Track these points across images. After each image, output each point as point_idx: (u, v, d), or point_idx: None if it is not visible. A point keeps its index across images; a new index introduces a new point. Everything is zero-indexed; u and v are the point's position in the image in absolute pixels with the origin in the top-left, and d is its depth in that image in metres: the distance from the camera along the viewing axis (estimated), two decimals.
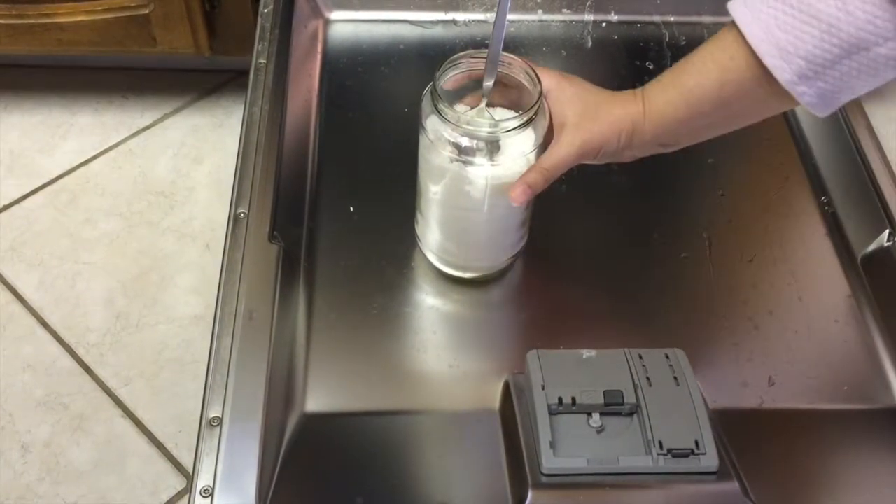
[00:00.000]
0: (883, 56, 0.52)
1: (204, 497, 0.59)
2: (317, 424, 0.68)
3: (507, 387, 0.68)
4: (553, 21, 1.02)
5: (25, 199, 1.19)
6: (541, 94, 0.65)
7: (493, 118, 0.67)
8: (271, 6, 0.94)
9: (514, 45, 0.97)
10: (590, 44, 1.00)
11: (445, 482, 0.65)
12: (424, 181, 0.71)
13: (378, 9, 1.01)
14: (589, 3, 1.01)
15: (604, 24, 1.01)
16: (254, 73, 0.86)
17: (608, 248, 0.82)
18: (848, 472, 0.67)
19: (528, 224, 0.75)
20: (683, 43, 0.99)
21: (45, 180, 1.20)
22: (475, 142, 0.66)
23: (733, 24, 0.57)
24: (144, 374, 1.03)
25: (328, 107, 0.92)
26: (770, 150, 0.91)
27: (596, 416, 0.63)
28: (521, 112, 0.65)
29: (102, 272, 1.11)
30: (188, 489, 0.82)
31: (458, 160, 0.66)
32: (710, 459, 0.61)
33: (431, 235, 0.75)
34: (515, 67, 0.67)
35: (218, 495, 0.60)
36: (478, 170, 0.67)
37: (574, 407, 0.63)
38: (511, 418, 0.65)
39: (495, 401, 0.69)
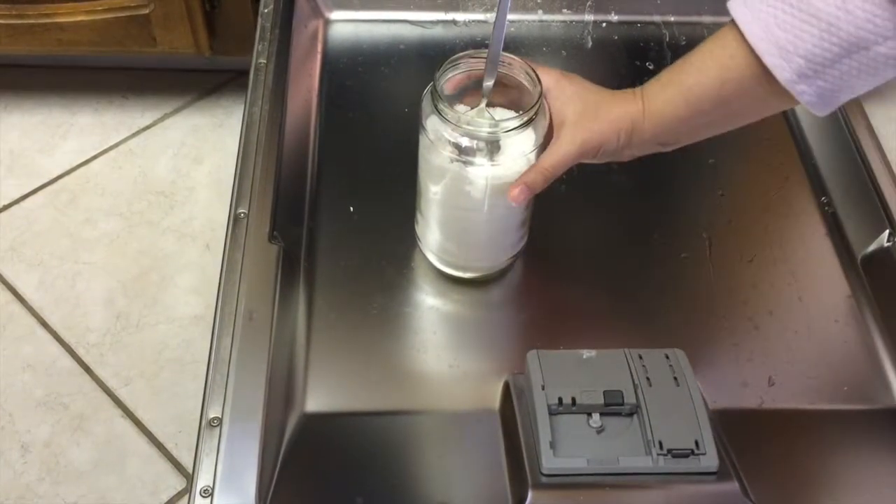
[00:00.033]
0: (882, 55, 0.52)
1: (204, 497, 0.59)
2: (317, 424, 0.67)
3: (507, 387, 0.68)
4: (553, 21, 1.02)
5: (25, 199, 1.19)
6: (541, 94, 0.65)
7: (494, 118, 0.67)
8: (271, 6, 0.94)
9: (514, 45, 0.97)
10: (590, 44, 1.00)
11: (445, 482, 0.65)
12: (424, 181, 0.71)
13: (378, 9, 1.01)
14: (589, 3, 1.01)
15: (604, 24, 1.01)
16: (254, 73, 0.86)
17: (608, 248, 0.82)
18: (848, 473, 0.67)
19: (528, 224, 0.75)
20: (683, 43, 0.99)
21: (45, 180, 1.20)
22: (475, 142, 0.66)
23: (733, 23, 0.57)
24: (144, 374, 1.03)
25: (328, 107, 0.92)
26: (770, 150, 0.91)
27: (596, 416, 0.63)
28: (521, 112, 0.65)
29: (102, 272, 1.11)
30: (188, 489, 0.82)
31: (458, 160, 0.66)
32: (710, 460, 0.61)
33: (431, 235, 0.75)
34: (515, 67, 0.67)
35: (218, 495, 0.59)
36: (478, 170, 0.67)
37: (574, 407, 0.63)
38: (511, 418, 0.65)
39: (495, 401, 0.69)
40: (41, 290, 1.09)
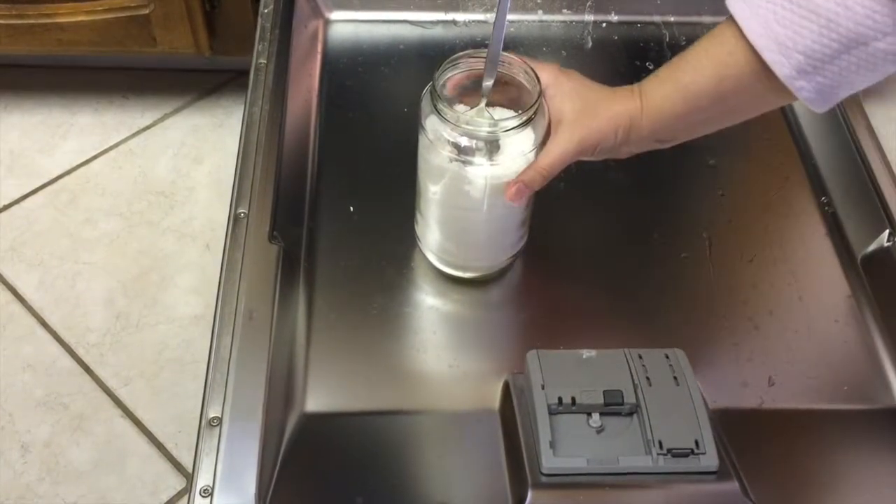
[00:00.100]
0: (882, 51, 0.52)
1: (203, 497, 0.59)
2: (317, 424, 0.67)
3: (506, 387, 0.68)
4: (553, 21, 1.02)
5: (25, 199, 1.19)
6: (540, 93, 0.65)
7: (493, 118, 0.67)
8: (271, 6, 0.94)
9: (514, 46, 0.97)
10: (590, 44, 1.00)
11: (445, 482, 0.65)
12: (424, 181, 0.71)
13: (378, 9, 1.01)
14: (589, 3, 1.01)
15: (604, 25, 1.01)
16: (254, 73, 0.86)
17: (608, 247, 0.82)
18: (848, 473, 0.67)
19: (527, 224, 0.75)
20: (683, 43, 0.99)
21: (45, 180, 1.20)
22: (474, 141, 0.66)
23: (731, 19, 0.57)
24: (144, 374, 1.03)
25: (328, 107, 0.92)
26: (770, 150, 0.91)
27: (596, 415, 0.63)
28: (520, 111, 0.65)
29: (102, 272, 1.11)
30: (188, 489, 0.82)
31: (457, 160, 0.66)
32: (709, 459, 0.61)
33: (431, 235, 0.75)
34: (515, 67, 0.67)
35: (217, 495, 0.59)
36: (477, 169, 0.67)
37: (574, 407, 0.63)
38: (511, 418, 0.65)
39: (495, 401, 0.69)
40: (41, 290, 1.09)
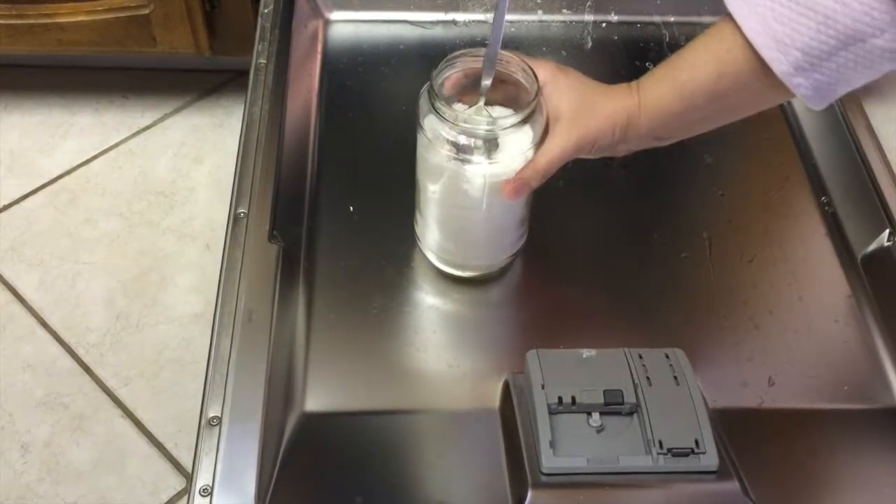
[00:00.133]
0: (879, 48, 0.52)
1: (203, 496, 0.59)
2: (316, 424, 0.67)
3: (506, 386, 0.68)
4: (553, 21, 1.02)
5: (25, 199, 1.19)
6: (538, 91, 0.65)
7: (491, 116, 0.67)
8: (271, 6, 0.94)
9: (514, 46, 0.97)
10: (590, 44, 1.00)
11: (445, 482, 0.65)
12: (423, 180, 0.71)
13: (378, 9, 1.01)
14: (589, 3, 1.01)
15: (604, 25, 1.01)
16: (254, 73, 0.86)
17: (608, 247, 0.82)
18: (848, 472, 0.67)
19: (527, 222, 0.75)
20: (683, 43, 0.97)
21: (45, 180, 1.20)
22: (473, 140, 0.66)
23: (729, 17, 0.57)
24: (144, 374, 1.03)
25: (328, 107, 0.92)
26: (770, 150, 0.91)
27: (596, 415, 0.63)
28: (518, 110, 0.65)
29: (102, 272, 1.11)
30: (187, 489, 0.82)
31: (455, 158, 0.66)
32: (710, 459, 0.60)
33: (431, 235, 0.75)
34: (512, 65, 0.67)
35: (217, 495, 0.59)
36: (476, 168, 0.66)
37: (574, 406, 0.62)
38: (511, 418, 0.65)
39: (495, 400, 0.69)
40: (41, 290, 1.09)
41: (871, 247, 0.80)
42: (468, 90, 0.68)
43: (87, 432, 0.98)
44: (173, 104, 1.29)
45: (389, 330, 0.74)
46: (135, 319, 1.07)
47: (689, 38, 0.99)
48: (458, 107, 0.67)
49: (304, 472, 0.64)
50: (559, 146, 0.64)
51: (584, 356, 0.65)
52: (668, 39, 1.00)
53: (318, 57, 0.97)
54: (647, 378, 0.63)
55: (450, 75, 0.67)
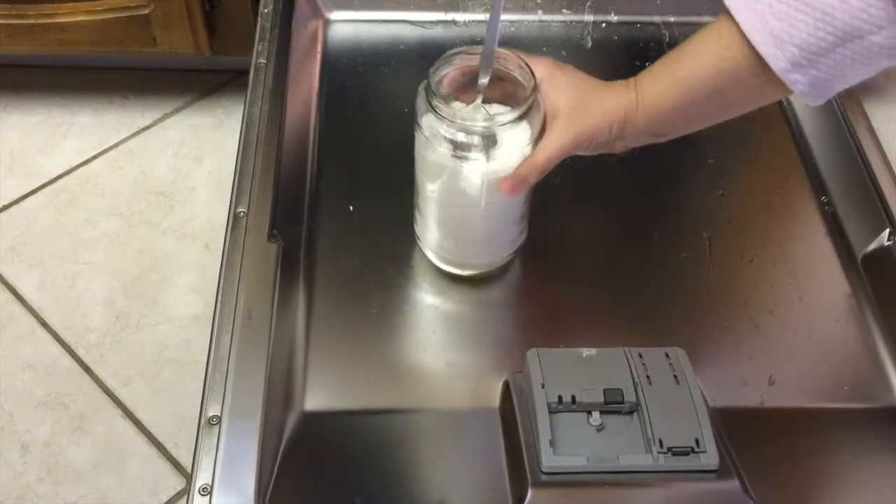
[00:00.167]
0: (876, 44, 0.52)
1: (202, 495, 0.59)
2: (316, 423, 0.67)
3: (506, 386, 0.68)
4: (553, 21, 1.02)
5: (25, 199, 1.19)
6: (535, 87, 0.65)
7: (489, 114, 0.67)
8: (271, 6, 0.94)
9: (514, 46, 0.96)
10: (590, 44, 1.00)
11: (445, 481, 0.65)
12: (421, 179, 0.71)
13: (378, 9, 1.01)
14: (589, 3, 1.01)
15: (604, 25, 1.01)
16: (253, 73, 0.86)
17: (608, 247, 0.82)
18: (849, 472, 0.67)
19: (526, 220, 0.75)
20: None
21: (45, 180, 1.20)
22: (471, 137, 0.66)
23: (727, 13, 0.57)
24: (144, 374, 1.03)
25: (328, 107, 0.92)
26: (770, 150, 0.91)
27: (596, 414, 0.63)
28: (516, 107, 0.65)
29: (102, 272, 1.11)
30: (187, 488, 0.82)
31: (453, 156, 0.66)
32: (710, 457, 0.60)
33: (430, 233, 0.75)
34: (509, 62, 0.67)
35: (216, 494, 0.59)
36: (474, 165, 0.66)
37: (574, 405, 0.62)
38: (511, 417, 0.65)
39: (495, 399, 0.69)
40: (41, 290, 1.09)
41: (872, 246, 0.80)
42: (465, 88, 0.68)
43: (87, 432, 0.98)
44: (173, 104, 1.29)
45: (389, 329, 0.74)
46: (135, 319, 1.07)
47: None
48: (456, 105, 0.67)
49: (303, 471, 0.64)
50: (557, 143, 0.64)
51: (584, 355, 0.65)
52: (668, 39, 1.00)
53: (318, 57, 0.97)
54: (647, 377, 0.63)
55: (447, 73, 0.67)
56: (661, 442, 0.61)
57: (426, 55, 0.97)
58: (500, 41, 0.65)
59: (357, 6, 1.01)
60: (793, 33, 0.53)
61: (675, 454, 0.60)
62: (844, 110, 0.87)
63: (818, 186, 0.87)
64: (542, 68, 0.66)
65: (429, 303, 0.76)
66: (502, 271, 0.78)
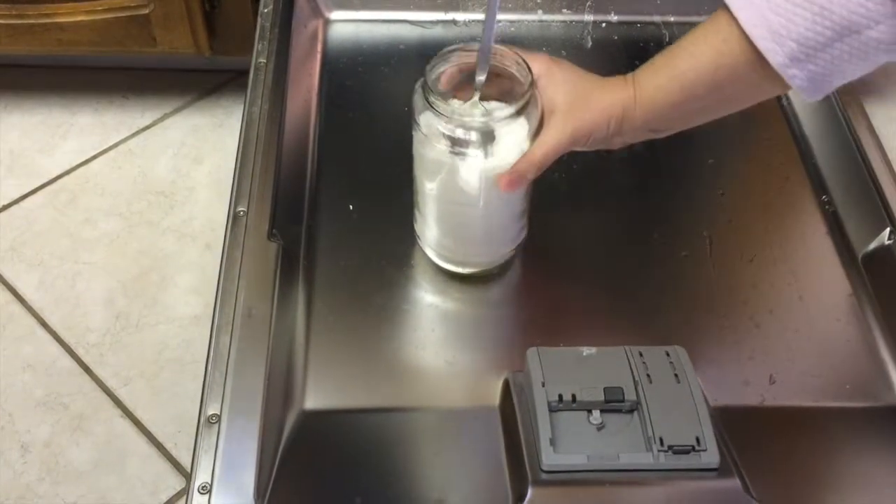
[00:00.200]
0: (874, 39, 0.52)
1: (202, 494, 0.59)
2: (316, 422, 0.67)
3: (506, 384, 0.68)
4: (553, 21, 1.02)
5: (25, 199, 1.19)
6: (532, 82, 0.65)
7: (486, 110, 0.66)
8: (271, 6, 0.94)
9: (514, 45, 0.97)
10: (590, 44, 1.00)
11: (445, 479, 0.65)
12: (420, 177, 0.71)
13: (378, 9, 1.01)
14: (589, 3, 1.01)
15: (604, 25, 1.01)
16: (253, 73, 0.86)
17: (609, 246, 0.82)
18: (850, 470, 0.67)
19: (526, 217, 0.75)
20: None
21: (45, 180, 1.20)
22: (468, 134, 0.65)
23: (725, 7, 0.57)
24: (144, 374, 1.03)
25: (328, 106, 0.92)
26: (770, 149, 0.91)
27: (596, 413, 0.62)
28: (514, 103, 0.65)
29: (102, 272, 1.11)
30: (187, 487, 0.82)
31: (452, 153, 0.66)
32: (711, 456, 0.60)
33: (430, 232, 0.75)
34: (507, 59, 0.67)
35: (216, 492, 0.59)
36: (472, 162, 0.66)
37: (574, 404, 0.62)
38: (511, 416, 0.65)
39: (495, 398, 0.68)
40: (41, 290, 1.09)
41: (872, 245, 0.80)
42: (463, 86, 0.68)
43: (87, 432, 0.98)
44: (173, 104, 1.29)
45: (389, 328, 0.74)
46: (135, 319, 1.07)
47: None
48: (454, 103, 0.67)
49: (303, 469, 0.64)
50: (554, 138, 0.64)
51: (585, 354, 0.65)
52: (668, 39, 1.00)
53: (318, 56, 0.97)
54: (648, 375, 0.63)
55: (444, 70, 0.67)
56: (661, 440, 0.60)
57: (426, 55, 0.95)
58: (499, 40, 0.65)
59: (357, 6, 1.01)
60: (791, 28, 0.53)
61: (675, 452, 0.60)
62: (845, 109, 0.87)
63: (818, 185, 0.87)
64: (539, 64, 0.66)
65: (429, 302, 0.76)
66: (502, 270, 0.78)
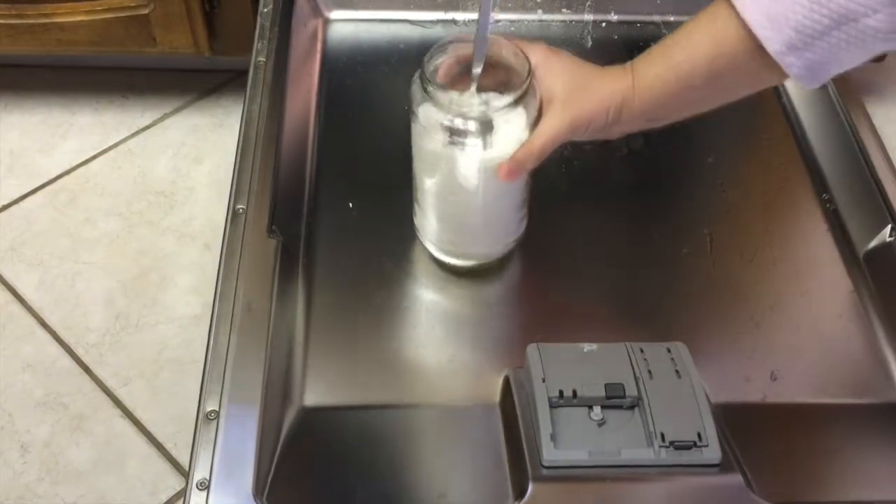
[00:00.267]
0: (871, 28, 0.52)
1: (200, 490, 0.59)
2: (315, 418, 0.67)
3: (507, 381, 0.68)
4: (553, 21, 1.02)
5: (25, 198, 1.19)
6: (530, 71, 0.64)
7: (484, 100, 0.66)
8: (271, 5, 0.94)
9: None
10: (590, 44, 1.00)
11: (446, 475, 0.65)
12: (419, 169, 0.71)
13: (378, 8, 1.01)
14: (589, 2, 1.01)
15: (604, 24, 1.01)
16: (253, 71, 0.86)
17: (609, 243, 0.82)
18: (851, 467, 0.67)
19: (526, 207, 0.74)
20: None
21: (45, 180, 1.20)
22: (467, 124, 0.65)
23: None
24: (144, 374, 1.02)
25: (328, 106, 0.92)
26: (771, 148, 0.91)
27: (597, 409, 0.62)
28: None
29: (102, 272, 1.11)
30: (186, 484, 0.81)
31: (450, 144, 0.66)
32: (712, 452, 0.60)
33: (429, 224, 0.75)
34: (504, 49, 0.67)
35: (214, 489, 0.59)
36: (471, 153, 0.66)
37: (575, 400, 0.62)
38: (511, 412, 0.65)
39: (495, 395, 0.68)
40: (41, 290, 1.09)
41: (873, 243, 0.80)
42: (460, 78, 0.68)
43: (87, 432, 0.98)
44: (173, 104, 1.29)
45: (389, 325, 0.74)
46: (134, 319, 1.07)
47: None
48: (451, 94, 0.67)
49: (302, 466, 0.64)
50: (553, 127, 0.64)
51: (585, 350, 0.65)
52: None
53: (318, 56, 0.97)
54: (649, 371, 0.63)
55: (441, 62, 0.67)
56: (662, 436, 0.60)
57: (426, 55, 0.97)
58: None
59: (357, 5, 1.01)
60: (788, 16, 0.53)
61: (677, 448, 0.60)
62: (845, 106, 0.87)
63: (819, 183, 0.87)
64: (537, 54, 0.66)
65: (429, 299, 0.76)
66: (503, 267, 0.77)
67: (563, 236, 0.81)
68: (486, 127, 0.66)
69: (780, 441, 0.67)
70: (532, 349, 0.65)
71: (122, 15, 1.08)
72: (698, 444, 0.60)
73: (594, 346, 0.65)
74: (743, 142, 0.91)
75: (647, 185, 0.86)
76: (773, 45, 0.54)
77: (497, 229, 0.74)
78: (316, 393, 0.69)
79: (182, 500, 0.93)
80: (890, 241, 0.78)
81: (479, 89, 0.67)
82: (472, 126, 0.65)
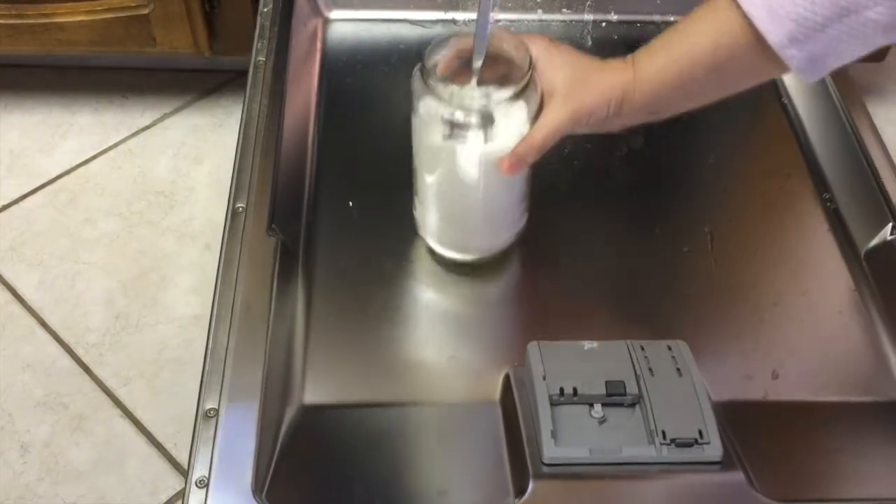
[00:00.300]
0: (872, 20, 0.52)
1: (199, 488, 0.59)
2: (315, 416, 0.67)
3: (507, 379, 0.68)
4: (553, 21, 1.02)
5: (25, 198, 1.18)
6: (531, 64, 0.64)
7: (485, 93, 0.66)
8: (271, 5, 0.94)
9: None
10: (589, 43, 1.00)
11: (446, 473, 0.65)
12: (419, 163, 0.71)
13: (378, 8, 1.01)
14: (589, 2, 1.01)
15: (603, 24, 1.01)
16: (253, 70, 0.86)
17: (609, 241, 0.82)
18: (853, 465, 0.67)
19: (527, 201, 0.74)
20: None
21: (45, 180, 1.20)
22: (468, 117, 0.65)
23: None
24: (144, 374, 1.02)
25: (327, 106, 0.92)
26: (772, 146, 0.91)
27: (598, 406, 0.62)
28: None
29: (102, 272, 1.11)
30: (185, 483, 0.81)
31: (451, 137, 0.66)
32: (714, 449, 0.60)
33: (429, 218, 0.75)
34: (504, 41, 0.66)
35: (213, 487, 0.59)
36: (472, 146, 0.66)
37: (575, 398, 0.62)
38: (512, 410, 0.65)
39: (496, 393, 0.68)
40: (41, 290, 1.09)
41: (874, 241, 0.80)
42: (461, 72, 0.68)
43: (87, 432, 0.98)
44: (173, 104, 1.29)
45: (390, 323, 0.74)
46: (134, 319, 1.07)
47: None
48: (452, 87, 0.67)
49: (302, 464, 0.64)
50: (554, 120, 0.64)
51: (586, 348, 0.65)
52: None
53: (318, 56, 0.97)
54: (650, 369, 0.63)
55: (442, 55, 0.67)
56: (664, 434, 0.60)
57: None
58: None
59: (357, 5, 1.01)
60: (789, 8, 0.53)
61: (678, 446, 0.60)
62: (845, 106, 0.87)
63: (820, 182, 0.87)
64: (538, 46, 0.66)
65: (429, 297, 0.76)
66: (503, 265, 0.77)
67: (563, 235, 0.81)
68: (487, 120, 0.66)
69: (781, 439, 0.67)
70: (532, 347, 0.65)
71: (122, 15, 1.08)
72: (699, 441, 0.60)
73: (595, 344, 0.65)
74: (744, 141, 0.91)
75: (648, 185, 0.86)
76: (773, 37, 0.54)
77: (497, 223, 0.74)
78: (315, 391, 0.69)
79: (182, 499, 0.93)
80: (891, 240, 0.78)
81: (480, 82, 0.66)
82: (472, 119, 0.65)
